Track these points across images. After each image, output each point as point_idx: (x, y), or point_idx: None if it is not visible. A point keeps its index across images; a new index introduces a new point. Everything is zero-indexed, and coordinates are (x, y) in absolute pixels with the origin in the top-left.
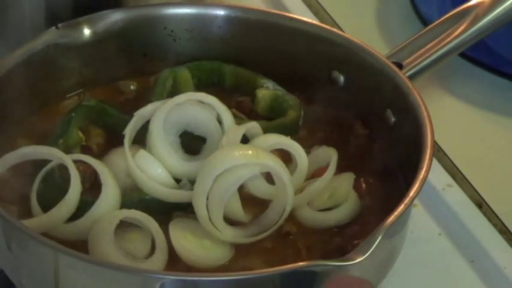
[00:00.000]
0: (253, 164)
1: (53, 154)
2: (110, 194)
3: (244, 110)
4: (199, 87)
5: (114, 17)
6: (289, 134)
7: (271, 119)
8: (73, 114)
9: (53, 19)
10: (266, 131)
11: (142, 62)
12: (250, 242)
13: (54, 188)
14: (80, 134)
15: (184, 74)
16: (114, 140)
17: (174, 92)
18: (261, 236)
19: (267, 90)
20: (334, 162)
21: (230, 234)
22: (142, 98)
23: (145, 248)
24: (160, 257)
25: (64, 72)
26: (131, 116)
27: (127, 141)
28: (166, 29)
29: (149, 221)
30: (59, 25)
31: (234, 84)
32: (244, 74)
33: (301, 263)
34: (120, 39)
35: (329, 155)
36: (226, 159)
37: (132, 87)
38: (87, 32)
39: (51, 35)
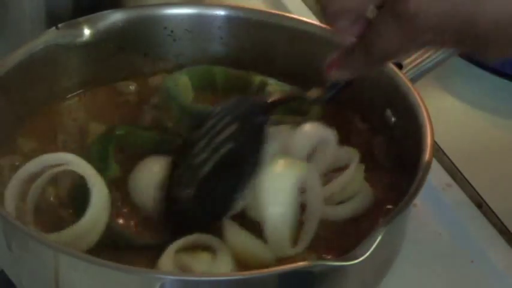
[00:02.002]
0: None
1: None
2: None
3: None
4: (194, 92)
5: (114, 17)
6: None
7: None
8: (109, 147)
9: (53, 19)
10: None
11: (142, 62)
12: (296, 254)
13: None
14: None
15: (184, 80)
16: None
17: (175, 97)
18: (303, 246)
19: (275, 86)
20: (355, 163)
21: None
22: (141, 99)
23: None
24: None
25: (64, 72)
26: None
27: None
28: (166, 29)
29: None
30: (59, 25)
31: (225, 85)
32: (235, 74)
33: (301, 263)
34: (120, 39)
35: (350, 155)
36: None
37: (131, 87)
38: (87, 32)
39: (51, 35)
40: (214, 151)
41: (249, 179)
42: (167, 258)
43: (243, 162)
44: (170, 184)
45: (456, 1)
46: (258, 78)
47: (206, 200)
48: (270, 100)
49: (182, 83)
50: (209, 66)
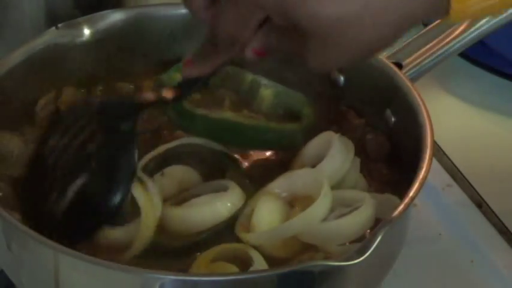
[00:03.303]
0: None
1: None
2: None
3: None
4: None
5: (114, 17)
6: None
7: (274, 115)
8: None
9: (53, 19)
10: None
11: (142, 62)
12: None
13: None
14: None
15: (178, 77)
16: None
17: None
18: None
19: (268, 89)
20: (352, 152)
21: None
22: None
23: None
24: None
25: (64, 73)
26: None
27: None
28: (166, 29)
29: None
30: (59, 25)
31: (217, 82)
32: (227, 71)
33: (300, 263)
34: (120, 39)
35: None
36: None
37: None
38: (87, 32)
39: (51, 35)
40: (81, 162)
41: (125, 186)
42: (200, 266)
43: (115, 170)
44: (41, 197)
45: None
46: (249, 77)
47: (82, 211)
48: (135, 102)
49: (175, 81)
50: None
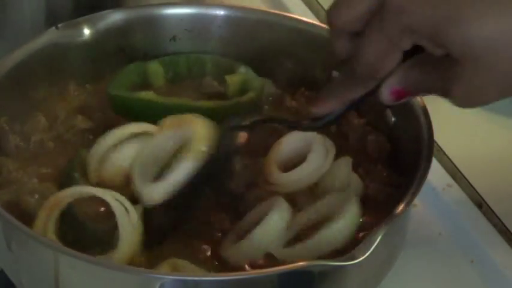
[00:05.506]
0: None
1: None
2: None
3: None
4: (176, 80)
5: (114, 17)
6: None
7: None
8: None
9: (53, 19)
10: (222, 110)
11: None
12: None
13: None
14: None
15: (154, 67)
16: None
17: (142, 85)
18: None
19: (236, 76)
20: (332, 154)
21: None
22: None
23: None
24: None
25: (63, 73)
26: None
27: None
28: (166, 29)
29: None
30: (59, 25)
31: (214, 73)
32: (223, 62)
33: (300, 263)
34: (120, 39)
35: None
36: None
37: None
38: (87, 32)
39: (51, 35)
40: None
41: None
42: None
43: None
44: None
45: (436, 2)
46: (237, 67)
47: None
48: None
49: (152, 70)
50: (198, 54)
